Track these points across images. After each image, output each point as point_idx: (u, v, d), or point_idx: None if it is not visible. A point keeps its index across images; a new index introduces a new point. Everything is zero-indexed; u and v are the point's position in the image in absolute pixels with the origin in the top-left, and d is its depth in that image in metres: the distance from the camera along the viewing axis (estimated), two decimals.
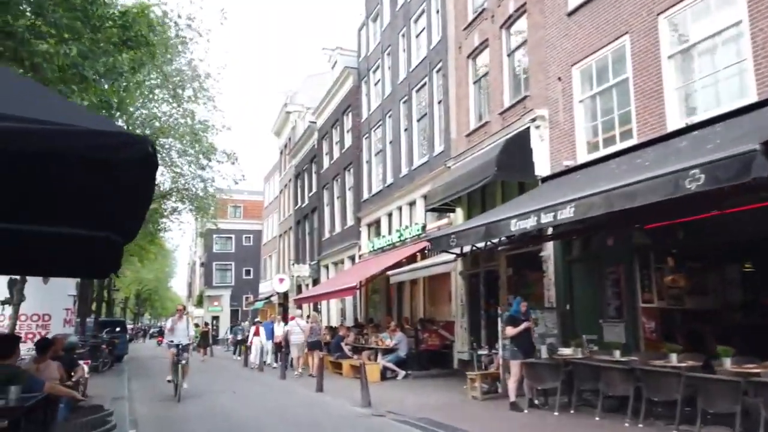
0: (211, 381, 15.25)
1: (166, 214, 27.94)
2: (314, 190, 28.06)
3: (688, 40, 8.34)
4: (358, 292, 19.72)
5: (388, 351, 14.28)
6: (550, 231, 10.41)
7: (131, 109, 21.86)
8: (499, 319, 9.90)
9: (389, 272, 14.04)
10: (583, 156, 10.28)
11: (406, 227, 17.21)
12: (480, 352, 11.26)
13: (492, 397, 9.77)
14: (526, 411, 8.38)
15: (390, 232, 18.70)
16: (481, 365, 11.26)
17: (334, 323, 24.10)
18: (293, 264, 28.05)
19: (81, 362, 10.01)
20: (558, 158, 10.82)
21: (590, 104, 10.35)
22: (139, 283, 72.11)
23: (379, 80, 20.63)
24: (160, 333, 76.70)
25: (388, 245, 18.23)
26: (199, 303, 51.69)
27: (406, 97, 17.89)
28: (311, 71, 34.17)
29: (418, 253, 15.56)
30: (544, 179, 10.80)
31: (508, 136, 11.62)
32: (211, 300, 46.51)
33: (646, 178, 5.69)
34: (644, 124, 8.87)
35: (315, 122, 27.72)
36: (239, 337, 26.73)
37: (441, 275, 15.04)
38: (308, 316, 19.80)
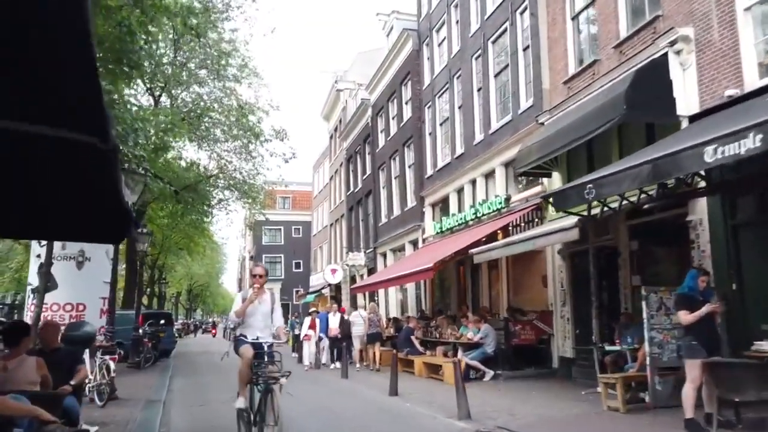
0: None
1: (213, 203, 26.57)
2: (368, 172, 25.85)
3: None
4: (423, 280, 17.42)
5: (470, 346, 11.85)
6: (702, 184, 7.78)
7: (176, 91, 20.30)
8: (644, 304, 7.32)
9: (473, 251, 11.58)
10: (753, 81, 7.55)
11: (483, 202, 14.70)
12: (610, 348, 8.67)
13: (639, 409, 7.20)
14: None
15: (461, 210, 16.24)
16: (604, 365, 8.69)
17: (394, 313, 21.88)
18: (347, 253, 25.92)
19: (94, 359, 8.08)
20: (711, 89, 8.10)
21: (763, 12, 7.61)
22: (190, 279, 72.60)
23: (444, 39, 18.13)
24: (214, 325, 76.64)
25: (460, 224, 15.77)
26: None
27: (479, 52, 15.34)
28: (362, 48, 31.89)
29: (499, 231, 13.04)
30: (693, 117, 8.11)
31: (635, 69, 8.96)
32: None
33: None
34: None
35: (368, 99, 25.48)
36: (296, 332, 24.81)
37: (530, 256, 12.50)
38: (364, 308, 17.76)
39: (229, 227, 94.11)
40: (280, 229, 46.30)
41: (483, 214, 14.51)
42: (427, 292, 18.64)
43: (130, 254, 25.49)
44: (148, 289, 43.66)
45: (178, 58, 19.49)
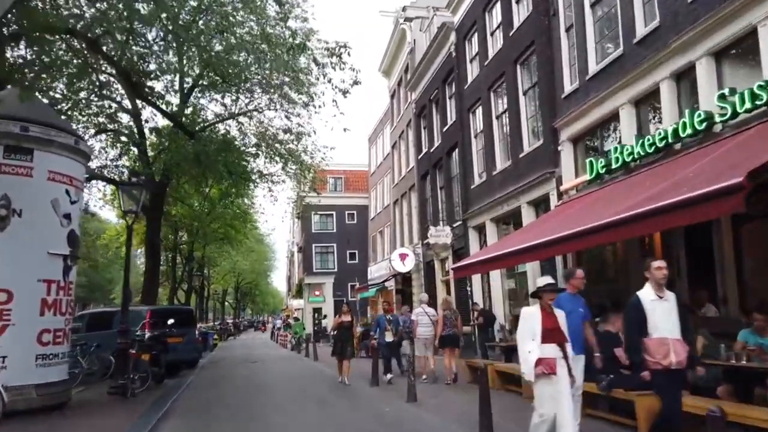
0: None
1: (254, 178, 20.91)
2: (451, 121, 19.30)
3: None
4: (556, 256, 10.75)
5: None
6: None
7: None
8: None
9: None
10: None
11: (697, 118, 7.90)
12: None
13: None
14: None
15: (641, 134, 9.47)
16: None
17: (500, 307, 15.29)
18: (429, 227, 19.32)
19: None
20: None
21: None
22: (237, 275, 68.06)
23: None
24: (263, 323, 72.20)
25: (648, 153, 9.03)
26: (298, 293, 44.93)
27: None
28: None
29: None
30: None
31: None
32: (312, 289, 39.31)
33: None
34: None
35: (450, 21, 18.90)
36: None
37: None
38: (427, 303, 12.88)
39: (273, 206, 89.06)
40: (331, 214, 40.27)
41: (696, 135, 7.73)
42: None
43: (148, 234, 19.91)
44: (186, 285, 38.79)
45: None
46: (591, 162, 10.68)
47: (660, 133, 8.84)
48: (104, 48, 13.01)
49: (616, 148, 9.95)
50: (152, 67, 15.45)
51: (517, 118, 14.37)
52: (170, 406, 9.07)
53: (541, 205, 13.44)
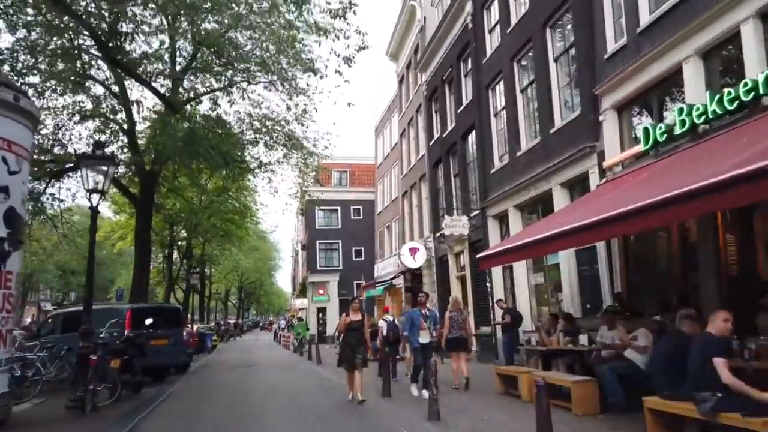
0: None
1: (253, 167, 19.37)
2: (467, 100, 17.53)
3: None
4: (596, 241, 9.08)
5: None
6: None
7: None
8: None
9: None
10: None
11: None
12: None
13: None
14: None
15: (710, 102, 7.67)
16: None
17: (525, 305, 13.55)
18: (443, 218, 17.49)
19: None
20: None
21: None
22: (240, 275, 66.41)
23: None
24: (270, 323, 70.49)
25: (728, 111, 7.25)
26: (302, 292, 43.24)
27: None
28: None
29: None
30: None
31: None
32: (316, 288, 37.53)
33: None
34: None
35: None
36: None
37: None
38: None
39: (274, 198, 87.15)
40: (336, 209, 38.47)
41: None
42: (613, 263, 10.04)
43: (138, 228, 18.22)
44: (184, 284, 37.16)
45: None
46: (646, 129, 8.87)
47: (747, 84, 7.02)
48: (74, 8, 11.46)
49: (681, 110, 8.12)
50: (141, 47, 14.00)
51: (547, 89, 12.57)
52: (135, 426, 7.34)
53: (576, 186, 11.64)
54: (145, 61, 14.61)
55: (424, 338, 9.71)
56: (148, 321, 11.11)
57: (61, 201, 17.75)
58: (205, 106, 17.91)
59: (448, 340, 10.33)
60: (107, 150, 19.00)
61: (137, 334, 10.50)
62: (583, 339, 8.26)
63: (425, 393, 8.63)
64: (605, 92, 10.36)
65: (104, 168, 8.88)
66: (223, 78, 16.38)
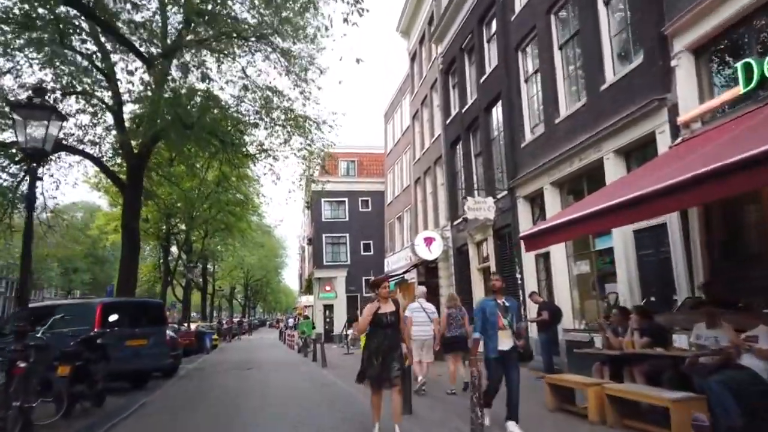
0: None
1: (253, 152, 17.56)
2: (492, 67, 15.44)
3: None
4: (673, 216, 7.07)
5: None
6: None
7: None
8: None
9: None
10: None
11: None
12: None
13: None
14: None
15: None
16: None
17: (566, 300, 11.50)
18: (465, 200, 15.36)
19: None
20: None
21: None
22: (245, 272, 64.64)
23: None
24: (278, 321, 68.98)
25: None
26: (308, 289, 41.30)
27: None
28: None
29: None
30: None
31: None
32: (322, 284, 35.54)
33: None
34: None
35: None
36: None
37: None
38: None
39: (276, 185, 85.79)
40: (343, 201, 36.43)
41: None
42: (694, 245, 7.92)
43: (125, 217, 16.23)
44: (183, 280, 35.32)
45: None
46: (748, 65, 6.77)
47: None
48: None
49: None
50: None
51: (596, 40, 10.45)
52: None
53: (635, 153, 9.55)
54: (133, 28, 12.90)
55: (504, 343, 6.14)
56: (112, 318, 9.13)
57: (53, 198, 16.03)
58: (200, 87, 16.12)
59: (446, 339, 9.58)
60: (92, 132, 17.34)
61: (98, 334, 8.52)
62: (680, 340, 6.17)
63: (511, 427, 5.96)
64: (678, 31, 8.24)
65: (44, 121, 6.90)
66: (217, 52, 14.54)
